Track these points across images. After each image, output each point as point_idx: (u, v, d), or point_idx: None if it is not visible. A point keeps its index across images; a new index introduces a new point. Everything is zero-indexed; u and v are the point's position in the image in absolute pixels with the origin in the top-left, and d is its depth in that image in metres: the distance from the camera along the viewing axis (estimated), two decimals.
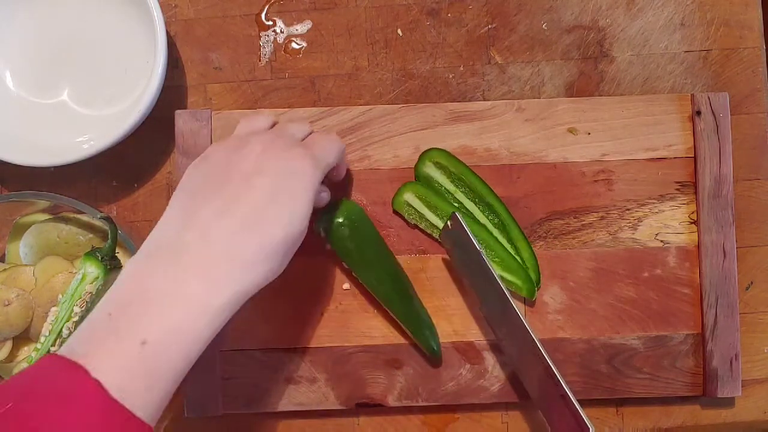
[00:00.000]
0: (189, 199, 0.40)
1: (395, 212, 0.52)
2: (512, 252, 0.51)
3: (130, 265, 0.38)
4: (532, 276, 0.51)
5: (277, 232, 0.39)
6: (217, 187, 0.40)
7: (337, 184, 0.51)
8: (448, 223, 0.49)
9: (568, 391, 0.44)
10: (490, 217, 0.52)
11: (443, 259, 0.52)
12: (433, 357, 0.51)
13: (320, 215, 0.50)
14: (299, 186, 0.41)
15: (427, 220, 0.52)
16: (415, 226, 0.52)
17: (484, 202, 0.51)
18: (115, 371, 0.34)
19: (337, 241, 0.50)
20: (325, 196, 0.48)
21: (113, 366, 0.34)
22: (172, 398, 0.37)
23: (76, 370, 0.33)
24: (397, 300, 0.50)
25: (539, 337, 0.52)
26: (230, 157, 0.41)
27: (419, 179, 0.52)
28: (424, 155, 0.52)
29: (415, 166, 0.52)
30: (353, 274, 0.51)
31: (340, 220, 0.49)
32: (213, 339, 0.37)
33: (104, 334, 0.35)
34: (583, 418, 0.43)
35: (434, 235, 0.52)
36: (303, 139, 0.45)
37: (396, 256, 0.52)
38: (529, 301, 0.52)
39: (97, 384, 0.33)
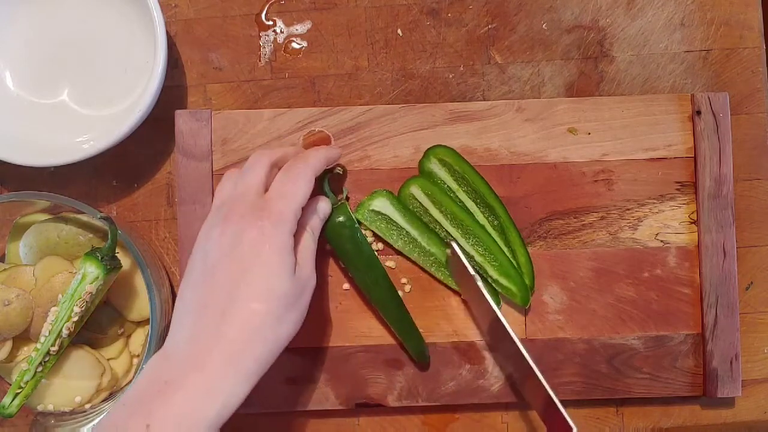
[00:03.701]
0: (185, 297, 0.42)
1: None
2: (509, 256, 0.51)
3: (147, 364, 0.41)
4: (527, 281, 0.51)
5: (255, 307, 0.40)
6: (201, 289, 0.41)
7: (337, 185, 0.51)
8: (448, 252, 0.50)
9: (551, 393, 0.46)
10: (489, 219, 0.52)
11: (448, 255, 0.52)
12: (422, 362, 0.52)
13: None
14: (265, 255, 0.40)
15: (430, 215, 0.52)
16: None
17: (485, 203, 0.51)
18: None
19: (334, 241, 0.50)
20: (324, 205, 0.48)
21: None
22: None
23: None
24: (390, 304, 0.50)
25: (540, 337, 0.52)
26: (204, 251, 0.42)
27: (423, 175, 0.52)
28: (429, 151, 0.52)
29: (420, 161, 0.52)
30: (350, 274, 0.51)
31: (340, 219, 0.49)
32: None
33: (120, 424, 0.38)
34: (566, 419, 0.45)
35: (437, 231, 0.52)
36: (267, 184, 0.44)
37: (396, 256, 0.52)
38: (521, 309, 0.52)
39: None
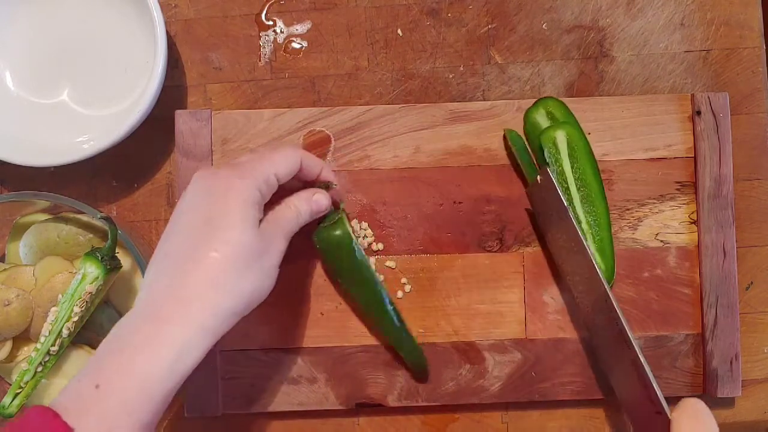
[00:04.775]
0: (157, 249, 0.41)
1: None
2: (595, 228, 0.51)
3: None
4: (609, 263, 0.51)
5: (214, 256, 0.39)
6: (165, 241, 0.41)
7: (331, 194, 0.48)
8: (538, 177, 0.49)
9: (641, 357, 0.45)
10: (581, 189, 0.51)
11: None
12: (420, 374, 0.52)
13: (317, 226, 0.49)
14: (228, 204, 0.40)
15: (559, 165, 0.51)
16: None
17: (580, 167, 0.51)
18: (82, 418, 0.35)
19: (330, 255, 0.49)
20: (322, 198, 0.46)
21: (80, 413, 0.35)
22: (172, 398, 0.38)
23: (54, 418, 0.35)
24: (387, 322, 0.50)
25: (540, 337, 0.52)
26: (178, 207, 0.42)
27: (527, 124, 0.52)
28: (539, 102, 0.52)
29: (527, 110, 0.52)
30: (343, 288, 0.51)
31: (337, 233, 0.48)
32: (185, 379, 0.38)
33: (75, 385, 0.37)
34: (656, 393, 0.45)
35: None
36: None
37: (396, 256, 0.52)
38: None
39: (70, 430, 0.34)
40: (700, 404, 0.43)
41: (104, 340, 0.38)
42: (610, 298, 0.46)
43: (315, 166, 0.47)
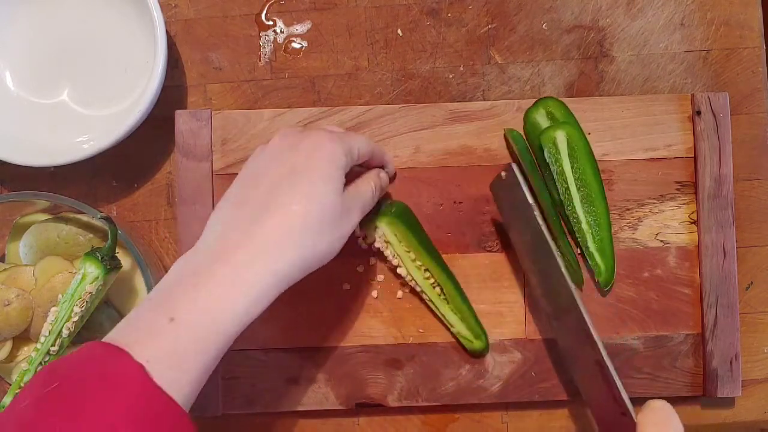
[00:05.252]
0: (227, 197, 0.42)
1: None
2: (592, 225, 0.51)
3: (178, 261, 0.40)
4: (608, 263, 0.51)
5: (296, 209, 0.39)
6: (242, 188, 0.41)
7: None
8: (502, 173, 0.48)
9: (605, 358, 0.45)
10: (581, 189, 0.51)
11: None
12: (481, 351, 0.52)
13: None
14: (317, 161, 0.40)
15: (559, 165, 0.51)
16: None
17: (580, 167, 0.51)
18: (153, 352, 0.35)
19: (392, 223, 0.50)
20: (386, 177, 0.49)
21: (151, 347, 0.35)
22: None
23: (119, 353, 0.34)
24: (455, 293, 0.51)
25: (540, 337, 0.52)
26: (255, 157, 0.43)
27: (527, 124, 0.52)
28: (539, 102, 0.52)
29: (527, 110, 0.52)
30: (402, 263, 0.50)
31: (393, 209, 0.50)
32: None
33: (143, 318, 0.36)
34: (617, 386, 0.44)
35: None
36: None
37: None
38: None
39: (140, 368, 0.34)
40: (666, 407, 0.42)
41: (170, 275, 0.38)
42: (575, 300, 0.46)
43: (383, 154, 0.49)
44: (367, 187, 0.45)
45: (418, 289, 0.51)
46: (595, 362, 0.45)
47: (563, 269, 0.46)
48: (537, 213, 0.46)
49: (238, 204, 0.40)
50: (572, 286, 0.46)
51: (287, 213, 0.39)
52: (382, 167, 0.50)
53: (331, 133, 0.43)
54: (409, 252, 0.50)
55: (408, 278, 0.51)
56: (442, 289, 0.51)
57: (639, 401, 0.53)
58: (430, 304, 0.51)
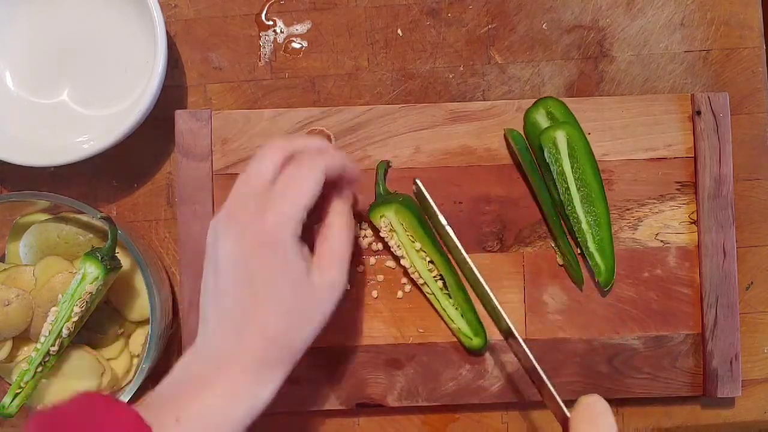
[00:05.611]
0: (206, 303, 0.42)
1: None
2: (593, 228, 0.51)
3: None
4: (608, 263, 0.51)
5: (270, 319, 0.40)
6: (216, 294, 0.41)
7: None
8: (414, 188, 0.50)
9: (527, 352, 0.47)
10: (581, 189, 0.51)
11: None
12: (479, 349, 0.52)
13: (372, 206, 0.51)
14: (265, 267, 0.40)
15: (559, 165, 0.51)
16: None
17: (580, 167, 0.51)
18: None
19: (399, 212, 0.50)
20: (350, 166, 0.45)
21: None
22: None
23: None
24: (458, 287, 0.51)
25: (540, 337, 0.52)
26: (215, 251, 0.41)
27: (527, 124, 0.52)
28: (539, 102, 0.52)
29: (527, 110, 0.52)
30: (406, 250, 0.50)
31: (401, 198, 0.50)
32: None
33: (152, 415, 0.37)
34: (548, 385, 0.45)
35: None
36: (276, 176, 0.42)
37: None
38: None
39: None
40: (598, 402, 0.42)
41: (177, 374, 0.40)
42: (494, 303, 0.48)
43: (339, 171, 0.44)
44: (335, 231, 0.43)
45: (420, 282, 0.51)
46: (532, 368, 0.47)
47: (475, 271, 0.49)
48: (449, 230, 0.49)
49: (221, 311, 0.41)
50: (489, 290, 0.48)
51: (262, 324, 0.40)
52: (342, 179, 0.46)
53: (272, 213, 0.40)
54: (414, 242, 0.50)
55: (411, 270, 0.51)
56: (444, 284, 0.51)
57: (639, 401, 0.54)
58: (431, 298, 0.51)
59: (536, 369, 0.46)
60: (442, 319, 0.52)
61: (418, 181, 0.50)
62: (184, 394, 0.38)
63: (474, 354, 0.52)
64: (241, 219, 0.41)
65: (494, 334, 0.52)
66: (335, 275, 0.42)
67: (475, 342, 0.51)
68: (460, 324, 0.51)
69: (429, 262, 0.51)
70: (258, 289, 0.40)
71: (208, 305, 0.42)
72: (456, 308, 0.51)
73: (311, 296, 0.41)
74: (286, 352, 0.41)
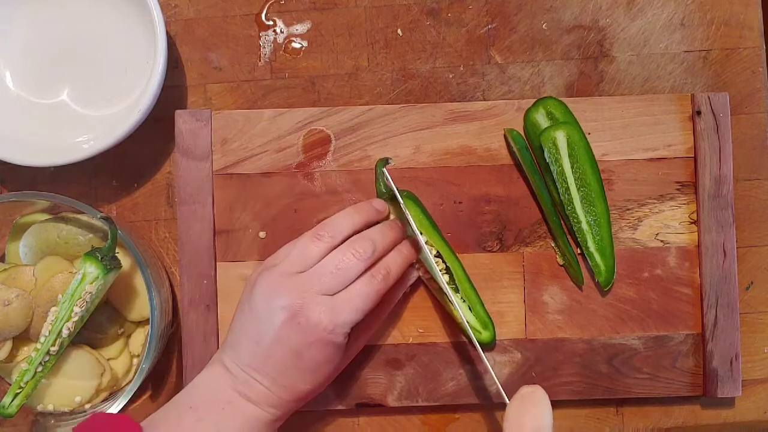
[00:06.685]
0: (236, 345, 0.45)
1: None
2: (593, 225, 0.51)
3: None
4: (608, 262, 0.51)
5: (303, 388, 0.45)
6: (257, 349, 0.44)
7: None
8: (383, 168, 0.50)
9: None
10: (580, 187, 0.51)
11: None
12: (490, 343, 0.52)
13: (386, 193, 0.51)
14: (324, 356, 0.44)
15: (559, 165, 0.51)
16: None
17: (580, 167, 0.51)
18: None
19: (407, 205, 0.50)
20: (407, 251, 0.49)
21: None
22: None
23: None
24: (465, 279, 0.51)
25: (540, 337, 0.52)
26: (269, 316, 0.44)
27: (527, 124, 0.52)
28: (539, 102, 0.52)
29: (527, 110, 0.52)
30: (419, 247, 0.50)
31: (406, 192, 0.50)
32: None
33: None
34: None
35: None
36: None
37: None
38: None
39: None
40: (536, 392, 0.43)
41: (210, 385, 0.45)
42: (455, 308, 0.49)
43: (397, 240, 0.49)
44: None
45: (426, 277, 0.51)
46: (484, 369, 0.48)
47: (438, 272, 0.49)
48: (404, 207, 0.48)
49: (261, 360, 0.44)
50: (448, 292, 0.48)
51: (297, 388, 0.44)
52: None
53: (336, 324, 0.43)
54: (421, 234, 0.50)
55: (417, 265, 0.51)
56: (450, 278, 0.51)
57: (639, 401, 0.54)
58: (437, 294, 0.51)
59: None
60: (447, 317, 0.52)
61: (385, 171, 0.50)
62: (223, 406, 0.44)
63: (485, 348, 0.52)
64: (305, 312, 0.43)
65: (496, 333, 0.52)
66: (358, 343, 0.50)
67: (485, 335, 0.51)
68: (469, 317, 0.51)
69: (435, 255, 0.51)
70: (305, 366, 0.44)
71: (245, 338, 0.45)
72: (464, 301, 0.51)
73: (341, 363, 0.47)
74: (301, 401, 0.46)
